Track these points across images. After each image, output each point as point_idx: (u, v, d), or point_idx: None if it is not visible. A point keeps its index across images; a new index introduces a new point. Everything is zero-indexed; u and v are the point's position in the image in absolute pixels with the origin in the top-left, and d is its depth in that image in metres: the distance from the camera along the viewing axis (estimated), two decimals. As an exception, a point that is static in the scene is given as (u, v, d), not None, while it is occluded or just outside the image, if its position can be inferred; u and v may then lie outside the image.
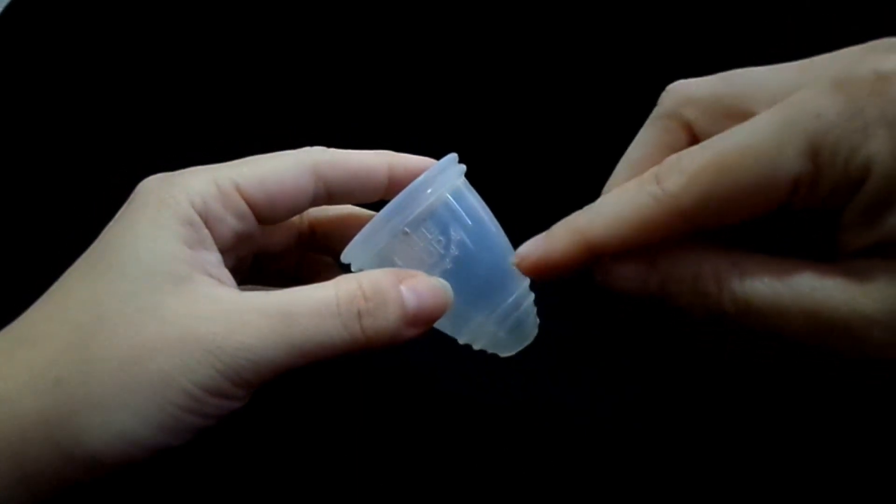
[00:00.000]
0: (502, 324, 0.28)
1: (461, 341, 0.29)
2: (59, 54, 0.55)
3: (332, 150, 0.29)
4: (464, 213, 0.27)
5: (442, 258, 0.27)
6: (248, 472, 0.36)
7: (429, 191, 0.26)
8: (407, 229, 0.26)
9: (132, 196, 0.26)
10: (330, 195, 0.29)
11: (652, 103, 0.27)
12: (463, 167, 0.28)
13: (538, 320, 0.29)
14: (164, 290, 0.24)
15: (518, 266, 0.25)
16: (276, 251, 0.32)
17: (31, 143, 0.52)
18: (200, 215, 0.26)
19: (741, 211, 0.22)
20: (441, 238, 0.27)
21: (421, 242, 0.27)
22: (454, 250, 0.27)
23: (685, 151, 0.22)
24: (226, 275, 0.26)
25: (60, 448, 0.22)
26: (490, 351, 0.29)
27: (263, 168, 0.27)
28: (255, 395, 0.25)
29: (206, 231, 0.26)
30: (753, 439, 0.35)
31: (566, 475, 0.36)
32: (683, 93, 0.25)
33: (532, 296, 0.28)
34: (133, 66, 0.54)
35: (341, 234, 0.31)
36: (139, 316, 0.23)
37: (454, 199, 0.27)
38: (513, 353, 0.29)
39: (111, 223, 0.26)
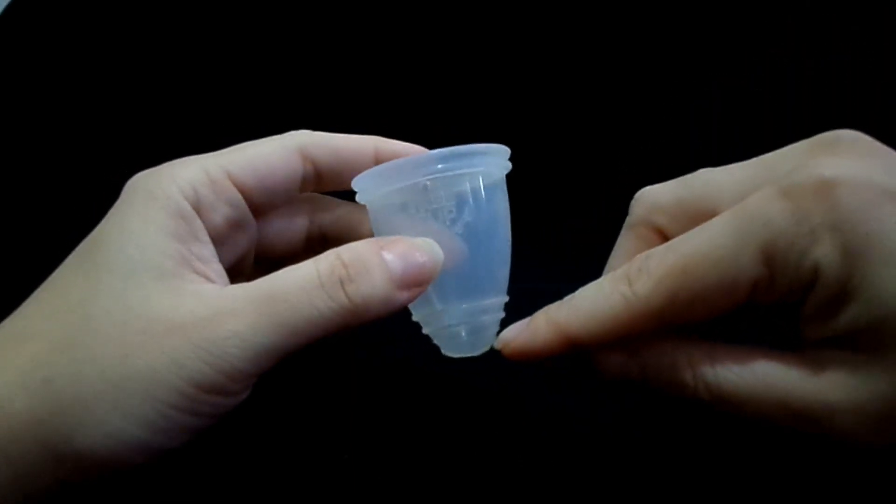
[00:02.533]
0: (468, 320, 0.27)
1: (415, 317, 0.28)
2: (59, 54, 0.55)
3: (318, 132, 0.29)
4: (486, 203, 0.27)
5: (443, 229, 0.26)
6: (249, 478, 0.36)
7: (470, 161, 0.26)
8: (427, 183, 0.26)
9: (122, 194, 0.26)
10: (319, 176, 0.29)
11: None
12: (510, 165, 0.28)
13: (496, 339, 0.28)
14: (150, 287, 0.24)
15: (501, 350, 0.27)
16: (282, 254, 0.31)
17: (31, 142, 0.52)
18: (192, 204, 0.26)
19: (706, 310, 0.23)
20: (453, 210, 0.26)
21: (433, 205, 0.26)
22: (458, 229, 0.26)
23: (653, 251, 0.24)
24: (217, 270, 0.26)
25: (51, 448, 0.22)
26: (435, 341, 0.29)
27: (251, 153, 0.27)
28: (253, 400, 0.25)
29: (198, 222, 0.26)
30: (755, 448, 0.35)
31: (566, 483, 0.36)
32: (650, 201, 0.27)
33: (503, 315, 0.28)
34: (133, 67, 0.54)
35: (353, 238, 0.31)
36: (126, 313, 0.23)
37: (487, 185, 0.27)
38: (455, 355, 0.28)
39: (102, 221, 0.26)
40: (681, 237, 0.24)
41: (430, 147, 0.29)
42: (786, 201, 0.22)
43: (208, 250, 0.26)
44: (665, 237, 0.27)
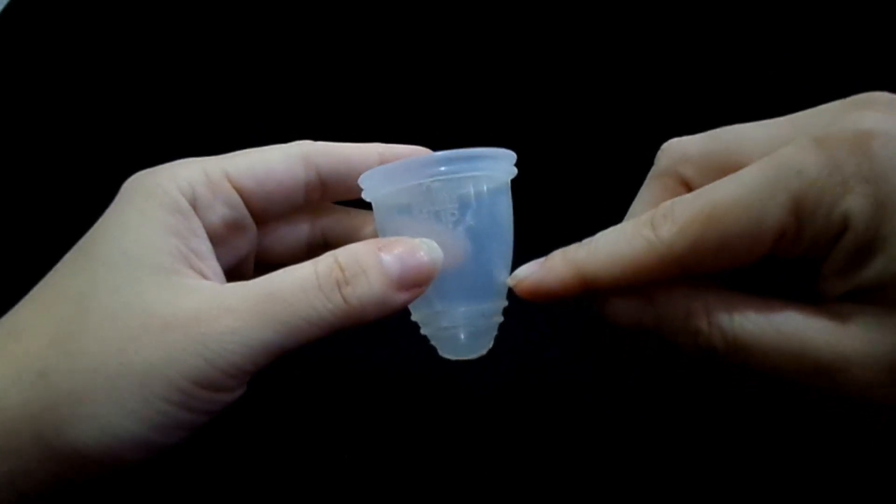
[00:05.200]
0: (469, 323, 0.27)
1: (414, 317, 0.28)
2: (59, 54, 0.55)
3: (322, 142, 0.29)
4: (489, 206, 0.27)
5: (446, 230, 0.26)
6: (246, 477, 0.36)
7: (475, 165, 0.26)
8: (431, 184, 0.26)
9: (120, 190, 0.26)
10: (323, 185, 0.29)
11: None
12: (515, 170, 0.28)
13: (492, 344, 0.28)
14: (147, 282, 0.24)
15: (514, 288, 0.27)
16: (284, 260, 0.31)
17: (31, 142, 0.52)
18: (189, 202, 0.26)
19: (729, 259, 0.23)
20: (455, 212, 0.26)
21: (436, 206, 0.26)
22: (460, 232, 0.27)
23: (678, 199, 0.24)
24: (213, 267, 0.26)
25: (45, 443, 0.22)
26: (433, 342, 0.29)
27: (253, 157, 0.28)
28: (250, 398, 0.25)
29: (195, 219, 0.26)
30: (760, 432, 0.35)
31: (568, 468, 0.35)
32: (677, 151, 0.27)
33: (502, 319, 0.28)
34: (133, 67, 0.54)
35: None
36: (123, 308, 0.23)
37: (490, 189, 0.27)
38: (452, 357, 0.28)
39: (101, 217, 0.26)
40: (709, 185, 0.23)
41: (437, 150, 0.29)
42: (820, 151, 0.21)
43: (205, 247, 0.26)
44: (690, 189, 0.26)
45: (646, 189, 0.28)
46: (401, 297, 0.25)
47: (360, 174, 0.28)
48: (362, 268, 0.24)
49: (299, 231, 0.31)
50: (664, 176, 0.27)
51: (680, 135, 0.28)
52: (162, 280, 0.24)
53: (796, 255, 0.23)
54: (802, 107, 0.24)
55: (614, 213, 0.28)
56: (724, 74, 0.47)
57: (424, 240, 0.26)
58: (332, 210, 0.32)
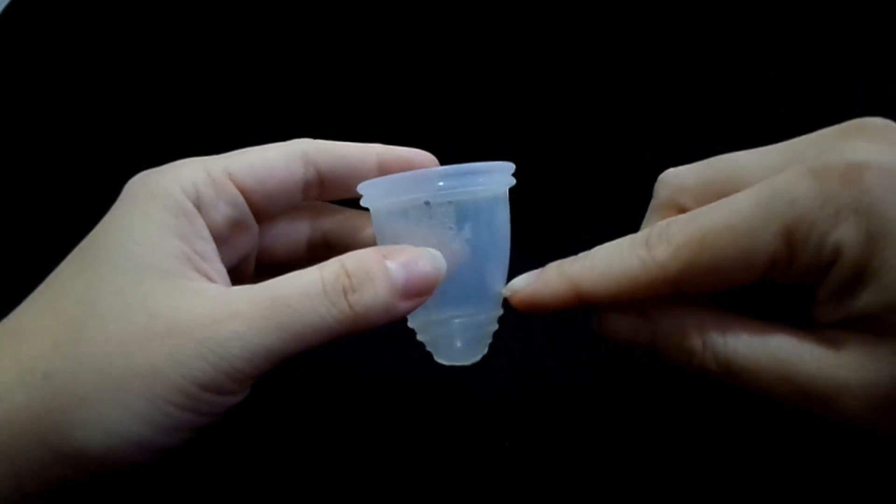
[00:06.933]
0: (464, 332, 0.28)
1: (410, 324, 0.29)
2: (59, 54, 0.55)
3: (321, 140, 0.29)
4: (487, 218, 0.27)
5: (444, 242, 0.27)
6: (248, 479, 0.36)
7: (474, 180, 0.27)
8: (429, 199, 0.26)
9: (123, 191, 0.26)
10: (322, 183, 0.29)
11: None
12: (513, 181, 0.28)
13: (487, 350, 0.29)
14: (152, 285, 0.24)
15: (509, 299, 0.27)
16: (285, 260, 0.31)
17: (31, 142, 0.52)
18: (192, 202, 0.26)
19: (721, 282, 0.24)
20: (453, 226, 0.27)
21: (434, 220, 0.27)
22: (458, 244, 0.27)
23: (674, 220, 0.24)
24: (218, 269, 0.26)
25: (49, 444, 0.22)
26: (429, 348, 0.29)
27: (253, 156, 0.28)
28: (252, 401, 0.25)
29: (200, 220, 0.26)
30: (758, 438, 0.35)
31: (568, 473, 0.36)
32: (675, 181, 0.27)
33: (497, 327, 0.29)
34: (133, 67, 0.54)
35: (356, 244, 0.31)
36: (128, 310, 0.23)
37: (488, 201, 0.27)
38: (447, 363, 0.29)
39: (103, 218, 0.26)
40: (704, 208, 0.24)
41: (435, 151, 0.29)
42: (814, 181, 0.22)
43: (210, 248, 0.26)
44: None
45: (647, 223, 0.28)
46: (404, 305, 0.25)
47: (358, 173, 0.29)
48: (369, 275, 0.24)
49: (299, 230, 0.31)
50: (664, 208, 0.28)
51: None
52: (166, 282, 0.24)
53: (789, 281, 0.23)
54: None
55: (612, 219, 0.28)
56: (724, 75, 0.47)
57: (429, 249, 0.26)
58: (332, 209, 0.32)
